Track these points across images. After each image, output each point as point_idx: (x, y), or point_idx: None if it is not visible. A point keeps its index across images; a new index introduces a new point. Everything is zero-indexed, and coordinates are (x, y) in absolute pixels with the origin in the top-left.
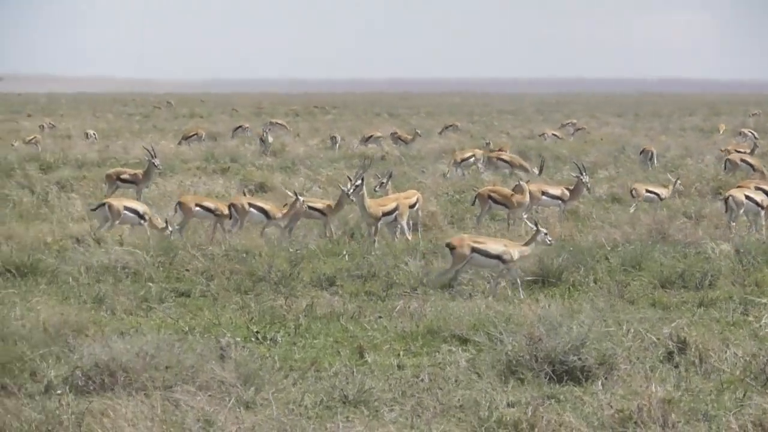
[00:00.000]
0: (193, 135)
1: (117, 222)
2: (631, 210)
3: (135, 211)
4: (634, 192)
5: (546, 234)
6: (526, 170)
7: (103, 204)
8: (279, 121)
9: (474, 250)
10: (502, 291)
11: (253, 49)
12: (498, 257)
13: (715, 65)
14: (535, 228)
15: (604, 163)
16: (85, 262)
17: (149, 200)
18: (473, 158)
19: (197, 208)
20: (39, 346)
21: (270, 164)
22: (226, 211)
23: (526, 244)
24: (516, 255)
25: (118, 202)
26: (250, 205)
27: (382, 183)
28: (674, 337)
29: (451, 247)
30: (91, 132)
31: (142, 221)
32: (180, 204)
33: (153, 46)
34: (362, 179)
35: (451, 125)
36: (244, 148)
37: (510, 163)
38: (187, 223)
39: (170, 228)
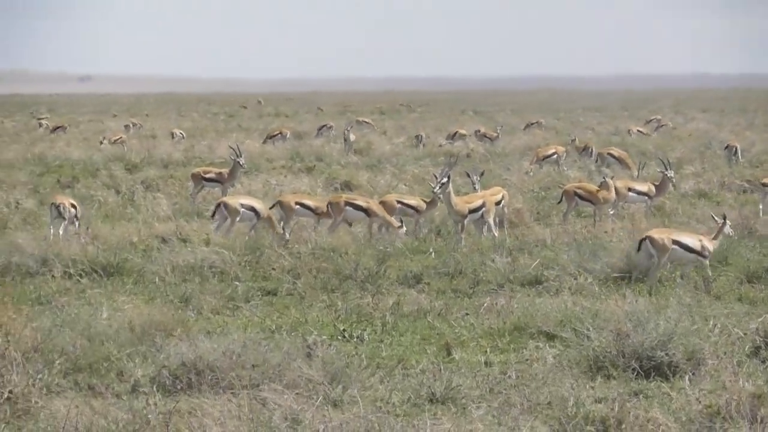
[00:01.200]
0: (278, 134)
1: (237, 219)
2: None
3: (252, 209)
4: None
5: (730, 226)
6: (629, 168)
7: (219, 204)
8: (365, 120)
9: (675, 243)
10: (589, 287)
11: (339, 47)
12: (698, 252)
13: None
14: (722, 221)
15: (689, 158)
16: (171, 261)
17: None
18: (555, 155)
19: (298, 207)
20: (126, 345)
21: (356, 162)
22: (326, 210)
23: (715, 237)
24: (711, 249)
25: (234, 201)
26: (348, 203)
27: (474, 184)
28: (761, 332)
29: (652, 241)
30: (177, 131)
31: (257, 218)
32: (280, 203)
33: (238, 45)
34: (449, 177)
35: (534, 122)
36: (329, 147)
37: (618, 159)
38: (289, 222)
39: (287, 234)
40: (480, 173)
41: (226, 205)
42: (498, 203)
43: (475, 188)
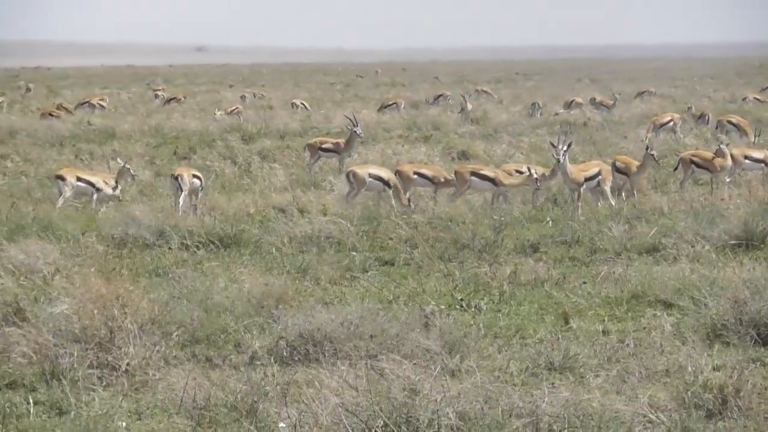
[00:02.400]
0: (392, 104)
1: (363, 190)
2: None
3: (380, 178)
4: None
5: None
6: (747, 135)
7: (348, 173)
8: (484, 89)
9: None
10: (706, 255)
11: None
12: None
13: None
14: None
15: None
16: (288, 232)
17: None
18: (672, 122)
19: (416, 176)
20: (243, 317)
21: (472, 132)
22: (443, 179)
23: None
24: None
25: (362, 170)
26: (473, 173)
27: (558, 155)
28: None
29: None
30: (298, 102)
31: (387, 188)
32: (399, 172)
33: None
34: (569, 145)
35: (644, 91)
36: (446, 116)
37: (737, 127)
38: (408, 190)
39: (412, 204)
40: (568, 144)
41: (354, 174)
42: (591, 178)
43: (558, 160)
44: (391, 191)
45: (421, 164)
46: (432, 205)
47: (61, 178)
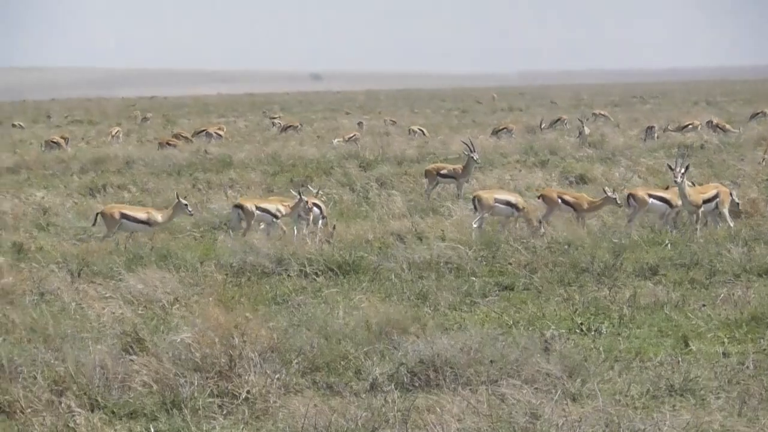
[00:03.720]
0: (503, 129)
1: (488, 214)
2: None
3: (507, 202)
4: None
5: None
6: None
7: (474, 198)
8: (602, 112)
9: None
10: None
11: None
12: None
13: None
14: None
15: None
16: (407, 258)
17: (468, 195)
18: None
19: (559, 200)
20: (363, 344)
21: (590, 156)
22: (585, 204)
23: None
24: None
25: (488, 194)
26: (560, 198)
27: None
28: None
29: None
30: (416, 128)
31: (516, 212)
32: (543, 197)
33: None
34: (686, 167)
35: (759, 112)
36: (563, 141)
37: None
38: (551, 215)
39: (543, 227)
40: (685, 166)
41: (479, 199)
42: (709, 201)
43: (676, 181)
44: (520, 215)
45: (564, 191)
46: (550, 230)
47: (241, 207)
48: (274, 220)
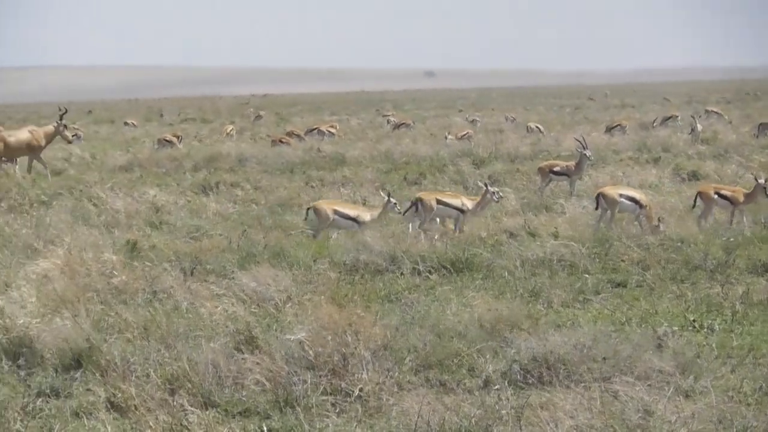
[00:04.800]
0: (616, 126)
1: (616, 209)
2: None
3: (632, 199)
4: None
5: None
6: None
7: (599, 194)
8: (714, 109)
9: None
10: None
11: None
12: None
13: None
14: None
15: None
16: (520, 255)
17: (582, 192)
18: None
19: (716, 195)
20: (476, 341)
21: (702, 153)
22: (742, 197)
23: None
24: None
25: (613, 191)
26: (716, 193)
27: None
28: None
29: None
30: (533, 125)
31: (638, 209)
32: (700, 194)
33: (581, 37)
34: None
35: None
36: (675, 138)
37: None
38: (710, 212)
39: (663, 226)
40: None
41: (604, 196)
42: None
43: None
44: (642, 212)
45: (720, 185)
46: (663, 227)
47: (421, 201)
48: (460, 214)
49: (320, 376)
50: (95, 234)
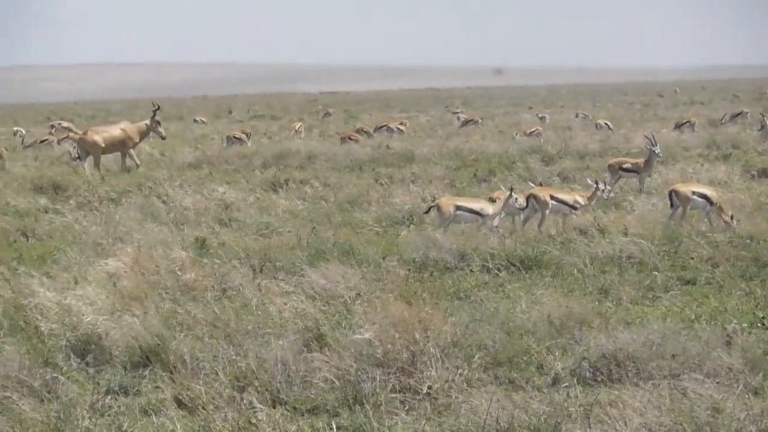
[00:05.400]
0: (686, 123)
1: (689, 206)
2: None
3: (704, 196)
4: None
5: None
6: None
7: (671, 192)
8: None
9: None
10: None
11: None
12: None
13: None
14: None
15: None
16: (589, 253)
17: (651, 189)
18: None
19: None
20: (545, 338)
21: None
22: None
23: None
24: None
25: (686, 188)
26: None
27: None
28: None
29: None
30: (602, 122)
31: (710, 206)
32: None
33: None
34: None
35: None
36: (745, 134)
37: None
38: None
39: (734, 222)
40: None
41: (677, 193)
42: None
43: None
44: (713, 209)
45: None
46: (734, 224)
47: (534, 197)
48: (572, 211)
49: (389, 374)
50: (164, 231)
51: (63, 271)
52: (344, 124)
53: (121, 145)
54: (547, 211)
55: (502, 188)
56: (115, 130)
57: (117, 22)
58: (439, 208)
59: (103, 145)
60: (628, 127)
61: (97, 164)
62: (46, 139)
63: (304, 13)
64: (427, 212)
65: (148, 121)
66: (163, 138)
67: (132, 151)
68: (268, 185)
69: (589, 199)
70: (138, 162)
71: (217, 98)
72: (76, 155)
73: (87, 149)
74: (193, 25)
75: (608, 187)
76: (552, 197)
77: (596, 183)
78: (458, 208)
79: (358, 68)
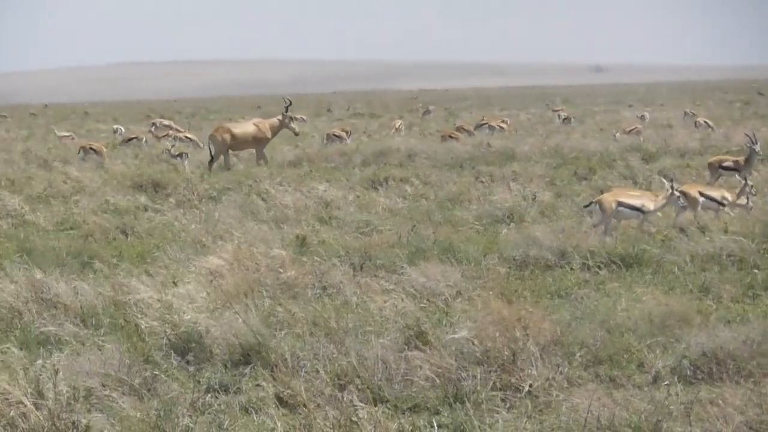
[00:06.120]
0: None
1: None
2: None
3: (711, 198)
4: None
5: None
6: None
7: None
8: None
9: None
10: None
11: None
12: None
13: None
14: None
15: None
16: (690, 251)
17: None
18: None
19: None
20: (645, 336)
21: None
22: None
23: None
24: None
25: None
26: None
27: None
28: None
29: None
30: (701, 120)
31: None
32: None
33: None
34: None
35: None
36: None
37: None
38: None
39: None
40: None
41: (685, 195)
42: None
43: None
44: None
45: None
46: None
47: (684, 194)
48: (720, 207)
49: (489, 372)
50: (264, 229)
51: (163, 269)
52: (444, 122)
53: (254, 142)
54: (699, 208)
55: (665, 182)
56: (249, 126)
57: (216, 20)
58: (600, 204)
59: (232, 142)
60: (728, 126)
61: (227, 161)
62: (135, 137)
63: (404, 9)
64: (587, 206)
65: (280, 117)
66: (296, 134)
67: (264, 148)
68: (368, 183)
69: (738, 195)
70: (266, 159)
71: (317, 95)
72: (210, 154)
73: (218, 145)
74: (293, 22)
75: (752, 185)
76: (701, 194)
77: (745, 180)
78: (620, 204)
79: (459, 65)
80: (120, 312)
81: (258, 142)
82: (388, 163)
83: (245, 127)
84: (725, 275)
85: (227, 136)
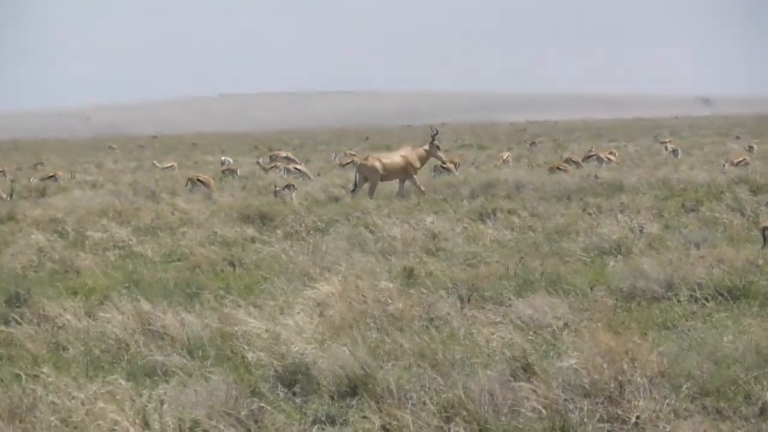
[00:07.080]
0: None
1: None
2: None
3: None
4: None
5: None
6: None
7: None
8: None
9: None
10: None
11: None
12: None
13: None
14: None
15: None
16: None
17: None
18: None
19: None
20: (752, 368)
21: None
22: None
23: None
24: None
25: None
26: None
27: None
28: None
29: None
30: None
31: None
32: None
33: None
34: None
35: None
36: None
37: None
38: None
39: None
40: None
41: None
42: None
43: None
44: None
45: None
46: None
47: None
48: None
49: (596, 404)
50: (371, 261)
51: (270, 300)
52: (552, 154)
53: (401, 172)
54: None
55: None
56: (396, 157)
57: (322, 52)
58: None
59: (383, 172)
60: None
61: (372, 191)
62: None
63: (511, 41)
64: (764, 231)
65: (427, 147)
66: (444, 163)
67: (415, 177)
68: (475, 215)
69: None
70: (423, 189)
71: (424, 127)
72: (354, 182)
73: (366, 175)
74: (400, 54)
75: None
76: None
77: None
78: None
79: (567, 97)
80: (227, 343)
81: (406, 172)
82: (496, 195)
83: (393, 158)
84: None
85: (378, 165)
